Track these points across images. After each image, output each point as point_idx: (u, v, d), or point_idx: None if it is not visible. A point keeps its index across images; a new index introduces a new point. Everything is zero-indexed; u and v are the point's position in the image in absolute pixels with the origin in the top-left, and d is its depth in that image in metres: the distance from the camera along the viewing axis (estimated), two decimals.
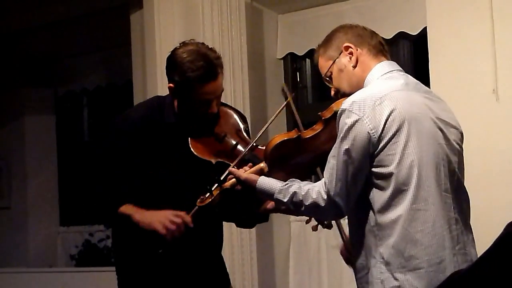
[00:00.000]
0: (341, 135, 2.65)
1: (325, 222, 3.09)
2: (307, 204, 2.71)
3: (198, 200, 3.02)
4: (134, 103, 5.72)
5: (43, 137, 7.24)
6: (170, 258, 3.27)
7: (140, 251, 3.30)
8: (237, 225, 3.67)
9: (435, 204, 2.63)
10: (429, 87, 4.43)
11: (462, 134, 2.84)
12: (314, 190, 2.70)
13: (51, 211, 7.25)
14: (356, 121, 2.62)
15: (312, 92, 5.71)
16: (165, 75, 5.18)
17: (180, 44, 3.28)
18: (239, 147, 3.21)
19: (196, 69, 3.14)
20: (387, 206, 2.62)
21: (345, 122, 2.64)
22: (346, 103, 2.67)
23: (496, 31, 4.34)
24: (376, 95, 2.66)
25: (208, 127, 3.26)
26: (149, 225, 3.15)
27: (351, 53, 2.84)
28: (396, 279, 2.61)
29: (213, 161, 3.17)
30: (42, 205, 7.18)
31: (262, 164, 2.95)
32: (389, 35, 5.07)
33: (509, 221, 4.15)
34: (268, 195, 2.82)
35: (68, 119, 7.41)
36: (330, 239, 5.16)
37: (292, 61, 5.63)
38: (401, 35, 5.08)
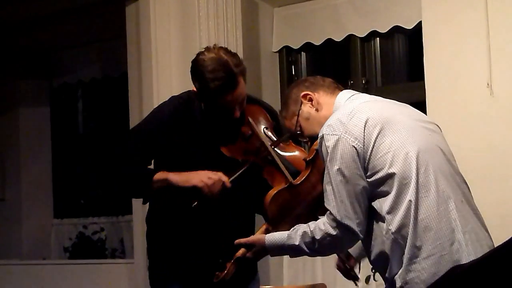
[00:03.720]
0: (327, 159, 2.68)
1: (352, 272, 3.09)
2: (318, 238, 2.70)
3: (214, 278, 3.03)
4: (129, 95, 5.73)
5: (37, 129, 7.22)
6: (202, 242, 3.34)
7: (175, 229, 3.37)
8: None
9: (435, 189, 2.64)
10: (424, 81, 4.47)
11: (439, 126, 2.87)
12: (321, 222, 2.71)
13: (45, 203, 7.24)
14: (337, 140, 2.66)
15: None
16: (160, 67, 5.28)
17: (203, 49, 3.30)
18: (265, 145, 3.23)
19: (215, 80, 3.16)
20: (395, 205, 2.63)
21: (326, 146, 2.68)
22: (321, 131, 2.72)
23: (491, 26, 4.34)
24: (346, 111, 2.72)
25: (234, 126, 3.30)
26: (186, 182, 3.19)
27: (310, 100, 2.90)
28: (410, 271, 2.61)
29: (240, 159, 3.22)
30: (36, 197, 7.17)
31: (265, 225, 2.96)
32: (384, 29, 5.08)
33: (506, 215, 4.18)
34: (279, 247, 2.81)
35: (63, 111, 7.39)
36: None
37: (288, 55, 5.62)
38: (396, 29, 5.08)
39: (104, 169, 3.45)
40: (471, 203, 2.75)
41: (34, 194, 7.16)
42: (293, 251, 2.79)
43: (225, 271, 2.99)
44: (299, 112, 2.90)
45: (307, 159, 2.92)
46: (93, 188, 7.18)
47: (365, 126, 2.65)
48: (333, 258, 5.08)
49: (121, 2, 5.74)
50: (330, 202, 2.68)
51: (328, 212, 2.69)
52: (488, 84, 4.34)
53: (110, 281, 6.07)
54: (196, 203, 3.17)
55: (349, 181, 2.64)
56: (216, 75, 3.16)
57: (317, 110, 2.88)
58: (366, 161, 2.64)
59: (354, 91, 2.93)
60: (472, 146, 4.28)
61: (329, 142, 2.67)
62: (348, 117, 2.69)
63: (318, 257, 5.25)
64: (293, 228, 2.78)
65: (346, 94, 2.89)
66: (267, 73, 5.53)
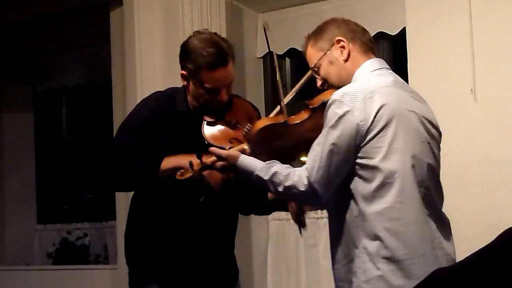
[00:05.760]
0: (329, 124, 2.67)
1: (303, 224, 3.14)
2: (286, 184, 2.73)
3: (178, 173, 3.05)
4: (113, 100, 5.71)
5: (21, 134, 7.20)
6: (183, 249, 3.35)
7: (157, 239, 3.38)
8: (254, 213, 3.67)
9: (415, 199, 2.67)
10: None
11: (441, 135, 2.87)
12: (296, 173, 2.72)
13: (29, 209, 7.22)
14: (347, 111, 2.65)
15: None
16: (144, 72, 5.26)
17: (194, 32, 3.35)
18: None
19: (206, 55, 3.20)
20: (372, 197, 2.65)
21: (335, 112, 2.67)
22: (337, 94, 2.70)
23: (475, 32, 4.36)
24: (367, 89, 2.69)
25: (220, 114, 3.31)
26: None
27: (343, 47, 2.85)
28: (378, 268, 2.63)
29: (226, 147, 3.19)
30: (20, 203, 7.14)
31: (245, 145, 3.00)
32: None
33: (489, 221, 4.19)
34: (248, 172, 2.83)
35: (46, 117, 7.37)
36: (308, 238, 5.16)
37: (272, 60, 5.62)
38: (381, 35, 5.09)
39: (102, 168, 3.39)
40: (442, 216, 2.79)
41: (18, 199, 7.13)
42: (258, 182, 2.82)
43: (191, 172, 3.01)
44: (327, 52, 2.87)
45: (311, 106, 2.91)
46: (86, 191, 7.17)
47: (378, 111, 2.65)
48: (317, 265, 5.09)
49: (105, 7, 5.73)
50: (311, 161, 2.70)
51: (305, 167, 2.71)
52: (472, 90, 4.36)
53: (93, 286, 6.05)
54: (203, 197, 3.18)
55: (339, 153, 2.66)
56: (207, 51, 3.21)
57: (345, 60, 2.85)
58: (363, 143, 2.65)
59: (383, 62, 2.88)
60: (456, 151, 4.29)
61: (339, 110, 2.66)
62: (367, 95, 2.67)
63: (302, 265, 5.27)
64: (268, 162, 2.80)
65: (374, 63, 2.84)
66: (252, 78, 5.53)
